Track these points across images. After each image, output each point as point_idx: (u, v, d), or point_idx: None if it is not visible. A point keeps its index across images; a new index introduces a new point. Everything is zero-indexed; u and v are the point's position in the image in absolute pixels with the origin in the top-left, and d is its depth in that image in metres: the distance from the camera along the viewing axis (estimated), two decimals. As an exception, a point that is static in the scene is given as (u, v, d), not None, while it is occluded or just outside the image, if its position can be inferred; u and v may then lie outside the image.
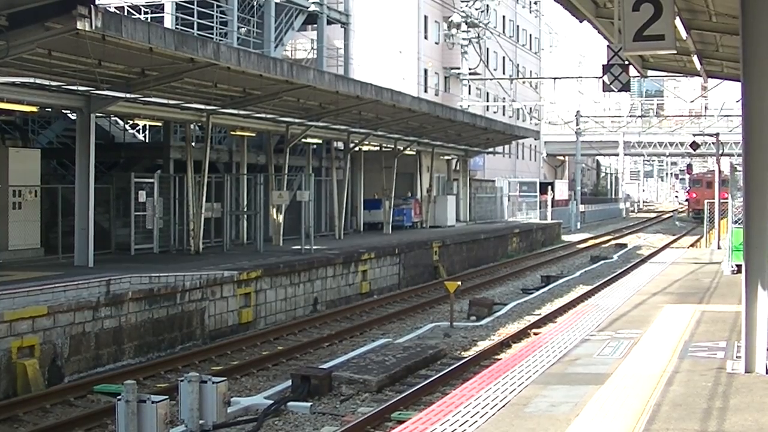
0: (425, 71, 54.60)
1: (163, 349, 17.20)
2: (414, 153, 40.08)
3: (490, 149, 50.91)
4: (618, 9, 10.25)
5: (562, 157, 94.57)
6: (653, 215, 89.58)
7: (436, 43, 56.44)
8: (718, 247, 29.02)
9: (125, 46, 17.23)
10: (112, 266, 20.01)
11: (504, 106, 65.72)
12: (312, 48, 41.46)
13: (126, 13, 28.61)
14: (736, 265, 19.89)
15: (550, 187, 60.47)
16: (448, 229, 40.14)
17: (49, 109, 25.01)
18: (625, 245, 45.71)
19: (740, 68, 9.53)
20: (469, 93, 54.01)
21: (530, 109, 69.72)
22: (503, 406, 8.66)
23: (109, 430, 12.11)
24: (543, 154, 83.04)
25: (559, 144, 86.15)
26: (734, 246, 19.98)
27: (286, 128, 29.16)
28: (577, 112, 67.75)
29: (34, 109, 21.78)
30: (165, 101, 22.92)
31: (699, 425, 7.78)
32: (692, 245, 41.10)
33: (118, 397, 9.47)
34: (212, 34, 31.44)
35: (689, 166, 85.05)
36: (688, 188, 75.83)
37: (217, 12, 32.35)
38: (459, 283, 22.33)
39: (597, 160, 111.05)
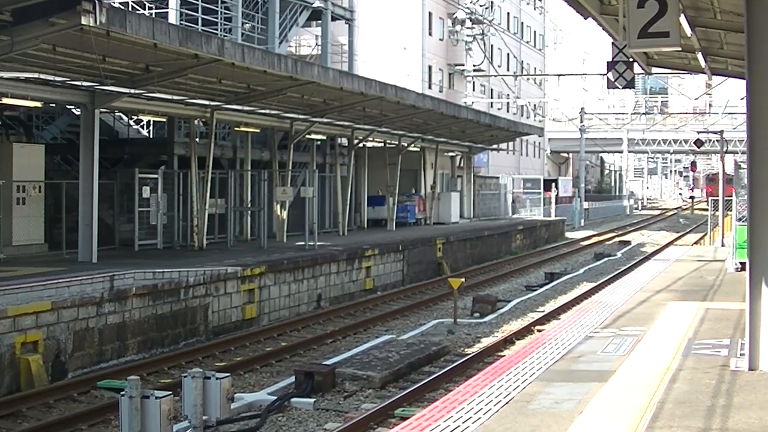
0: (429, 68, 54.53)
1: (166, 345, 17.21)
2: (418, 149, 40.07)
3: (494, 146, 50.87)
4: (623, 6, 10.23)
5: (566, 154, 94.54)
6: (657, 212, 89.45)
7: (441, 40, 56.36)
8: (722, 245, 29.00)
9: (129, 41, 17.23)
10: (116, 262, 20.03)
11: (508, 103, 65.62)
12: (316, 44, 41.42)
13: (130, 9, 28.59)
14: (740, 263, 19.87)
15: (553, 184, 60.45)
16: (452, 225, 40.13)
17: (54, 105, 25.04)
18: (628, 242, 45.68)
19: (745, 66, 9.52)
20: (474, 90, 53.94)
21: (534, 105, 69.62)
22: (507, 402, 8.66)
23: (112, 426, 12.14)
24: (547, 151, 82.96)
25: (563, 141, 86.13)
26: (738, 243, 19.94)
27: (290, 124, 29.18)
28: (581, 109, 67.59)
29: (38, 104, 21.82)
30: (169, 97, 22.93)
31: (702, 423, 7.77)
32: (696, 242, 41.06)
33: (122, 392, 9.45)
34: (216, 29, 31.43)
35: (693, 164, 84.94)
36: (705, 185, 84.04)
37: (221, 8, 32.35)
38: (463, 279, 22.30)
39: (601, 157, 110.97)
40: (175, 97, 23.15)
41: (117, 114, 29.00)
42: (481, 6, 51.55)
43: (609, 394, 8.88)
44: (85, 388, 14.02)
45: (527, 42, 75.30)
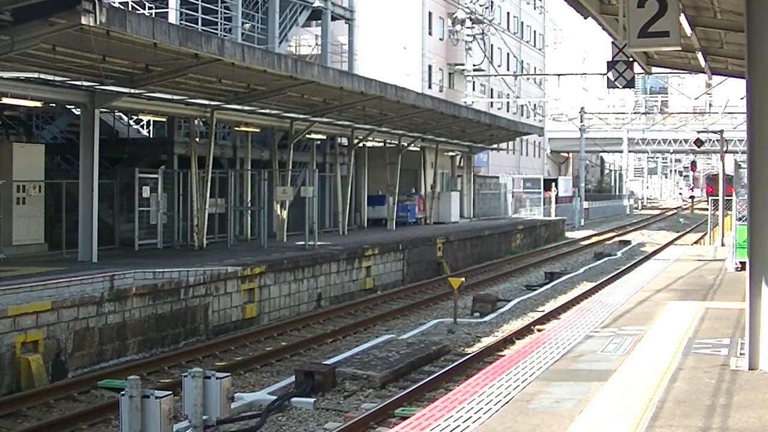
0: (429, 67, 54.53)
1: (166, 345, 17.21)
2: (418, 149, 40.07)
3: (494, 145, 50.89)
4: (623, 5, 10.23)
5: (566, 154, 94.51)
6: (657, 212, 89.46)
7: (441, 40, 56.36)
8: (722, 244, 29.01)
9: (129, 41, 17.23)
10: (116, 262, 20.03)
11: (508, 103, 65.62)
12: (316, 44, 41.41)
13: (130, 9, 28.58)
14: (740, 262, 19.87)
15: (553, 184, 60.46)
16: (452, 225, 40.14)
17: (54, 105, 25.03)
18: (628, 242, 45.68)
19: (745, 65, 9.52)
20: (474, 89, 53.91)
21: (534, 105, 69.62)
22: (507, 402, 8.67)
23: (112, 426, 12.13)
24: (547, 150, 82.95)
25: (563, 140, 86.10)
26: (738, 243, 19.95)
27: (290, 124, 29.17)
28: (581, 108, 67.62)
29: (38, 104, 21.81)
30: (169, 97, 22.93)
31: (702, 422, 7.77)
32: (696, 242, 41.07)
33: (122, 392, 9.46)
34: (216, 29, 31.42)
35: (693, 163, 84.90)
36: (705, 184, 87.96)
37: (221, 7, 32.34)
38: (463, 279, 22.31)
39: (601, 157, 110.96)
40: (175, 97, 23.15)
41: (117, 114, 28.99)
42: (481, 6, 51.52)
43: (609, 393, 8.88)
44: (85, 387, 14.02)
45: (527, 42, 75.29)
